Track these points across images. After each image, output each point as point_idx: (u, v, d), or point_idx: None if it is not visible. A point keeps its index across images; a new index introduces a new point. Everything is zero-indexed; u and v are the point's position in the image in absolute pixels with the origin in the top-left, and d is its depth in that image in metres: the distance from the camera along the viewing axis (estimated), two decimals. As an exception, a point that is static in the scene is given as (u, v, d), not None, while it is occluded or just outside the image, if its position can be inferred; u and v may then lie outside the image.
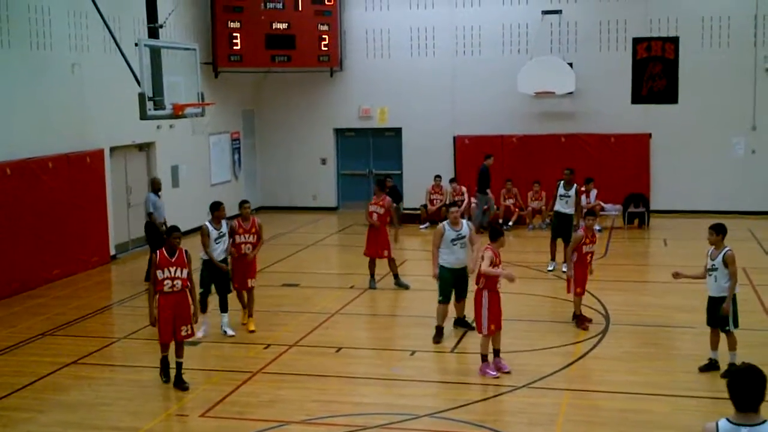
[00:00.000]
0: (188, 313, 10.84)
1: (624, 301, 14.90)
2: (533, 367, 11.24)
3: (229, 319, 13.15)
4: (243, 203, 13.58)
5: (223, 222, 13.08)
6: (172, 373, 10.95)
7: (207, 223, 12.92)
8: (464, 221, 12.67)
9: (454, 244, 12.31)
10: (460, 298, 12.77)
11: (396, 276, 15.99)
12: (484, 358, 11.07)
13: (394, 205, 16.98)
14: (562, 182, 17.25)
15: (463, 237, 12.33)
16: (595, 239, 13.42)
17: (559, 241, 17.12)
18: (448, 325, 12.81)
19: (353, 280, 16.61)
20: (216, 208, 13.00)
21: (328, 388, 10.86)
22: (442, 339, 12.46)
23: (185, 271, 10.77)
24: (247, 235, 13.26)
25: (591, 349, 12.10)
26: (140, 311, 14.29)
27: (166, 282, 10.66)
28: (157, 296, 10.72)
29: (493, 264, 10.90)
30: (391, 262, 15.99)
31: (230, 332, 13.03)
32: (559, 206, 17.08)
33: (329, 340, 12.81)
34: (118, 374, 11.63)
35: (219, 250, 12.89)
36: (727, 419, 4.96)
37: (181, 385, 10.83)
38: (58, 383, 11.15)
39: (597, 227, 13.67)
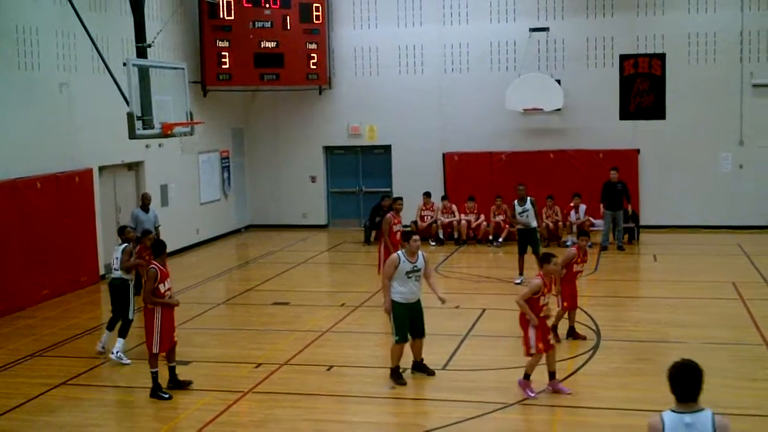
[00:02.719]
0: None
1: (614, 316, 14.91)
2: (525, 384, 11.22)
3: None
4: (145, 232, 13.18)
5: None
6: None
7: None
8: (421, 253, 11.45)
9: (410, 277, 11.24)
10: (418, 336, 11.58)
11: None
12: (528, 376, 10.87)
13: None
14: (516, 201, 17.81)
15: (419, 270, 11.30)
16: (586, 258, 13.45)
17: (528, 257, 17.39)
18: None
19: (344, 298, 16.60)
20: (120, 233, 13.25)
21: (320, 407, 10.82)
22: (403, 380, 11.39)
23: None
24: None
25: (582, 366, 12.09)
26: (131, 330, 14.22)
27: (166, 294, 11.15)
28: (161, 309, 11.06)
29: (542, 293, 10.73)
30: None
31: (126, 360, 12.47)
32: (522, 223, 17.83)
33: (321, 358, 12.77)
34: (108, 395, 11.58)
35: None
36: (671, 410, 5.55)
37: (182, 385, 11.26)
38: (48, 404, 11.07)
39: (588, 244, 13.66)
